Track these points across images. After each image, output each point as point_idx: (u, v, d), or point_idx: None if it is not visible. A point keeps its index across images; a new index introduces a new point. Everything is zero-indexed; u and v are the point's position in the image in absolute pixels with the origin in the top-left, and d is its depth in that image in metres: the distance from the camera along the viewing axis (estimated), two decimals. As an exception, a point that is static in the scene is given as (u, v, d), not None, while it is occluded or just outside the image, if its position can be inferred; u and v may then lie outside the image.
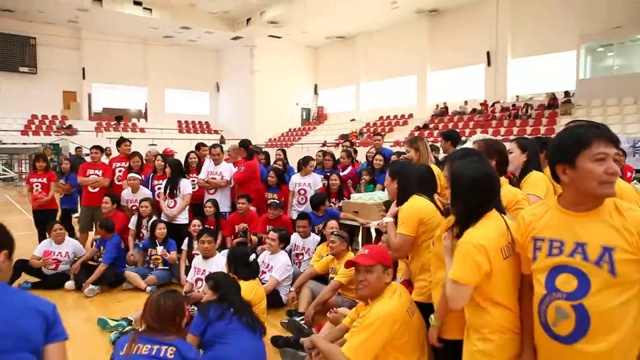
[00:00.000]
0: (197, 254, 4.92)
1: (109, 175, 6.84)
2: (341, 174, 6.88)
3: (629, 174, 5.81)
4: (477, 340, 2.00)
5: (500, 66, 22.52)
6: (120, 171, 7.07)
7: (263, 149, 9.71)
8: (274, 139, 29.69)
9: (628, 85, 18.07)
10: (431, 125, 22.58)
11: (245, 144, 6.75)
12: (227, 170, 6.58)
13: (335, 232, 4.29)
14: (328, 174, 6.68)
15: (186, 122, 31.94)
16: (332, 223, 4.91)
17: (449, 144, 5.25)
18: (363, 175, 6.77)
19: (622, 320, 1.67)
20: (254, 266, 3.79)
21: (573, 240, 1.76)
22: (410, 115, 25.12)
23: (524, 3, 21.30)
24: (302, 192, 6.41)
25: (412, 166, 3.17)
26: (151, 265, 5.66)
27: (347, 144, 9.06)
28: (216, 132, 30.47)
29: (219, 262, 4.48)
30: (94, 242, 6.09)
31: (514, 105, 20.69)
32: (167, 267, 5.67)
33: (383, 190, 6.32)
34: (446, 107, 23.59)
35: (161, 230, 5.69)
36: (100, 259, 5.46)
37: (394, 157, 6.46)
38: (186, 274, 5.16)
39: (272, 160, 8.14)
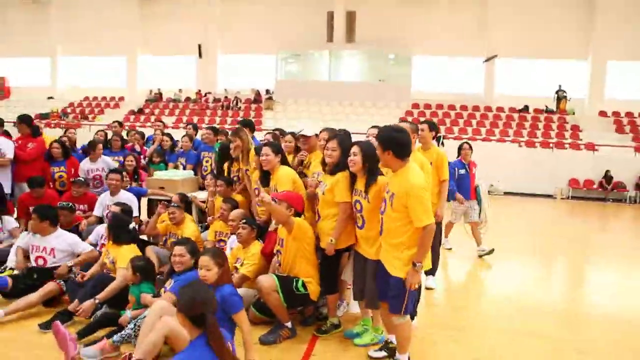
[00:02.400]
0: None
1: None
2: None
3: (473, 169, 7.16)
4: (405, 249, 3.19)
5: (211, 59, 24.27)
6: None
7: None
8: None
9: (313, 89, 22.79)
10: (147, 110, 22.43)
11: (26, 119, 6.02)
12: (7, 146, 5.76)
13: (243, 221, 4.32)
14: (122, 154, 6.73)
15: None
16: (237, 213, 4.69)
17: (432, 134, 5.86)
18: (153, 157, 7.08)
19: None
20: (133, 232, 4.02)
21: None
22: (122, 98, 24.10)
23: (234, 4, 23.61)
24: (97, 177, 6.30)
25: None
26: None
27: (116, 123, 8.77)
28: None
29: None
30: None
31: (226, 97, 22.80)
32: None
33: (177, 168, 6.93)
34: (160, 93, 23.80)
35: None
36: None
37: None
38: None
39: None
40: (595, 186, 16.39)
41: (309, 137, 4.58)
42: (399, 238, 3.14)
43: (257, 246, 4.29)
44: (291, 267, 3.79)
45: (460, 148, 7.27)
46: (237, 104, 22.25)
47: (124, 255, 4.06)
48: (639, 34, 20.21)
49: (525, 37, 21.16)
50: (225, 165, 5.88)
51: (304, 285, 3.72)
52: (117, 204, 5.04)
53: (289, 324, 3.76)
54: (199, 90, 23.57)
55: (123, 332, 3.29)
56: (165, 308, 3.15)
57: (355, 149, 3.55)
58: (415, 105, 21.78)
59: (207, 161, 7.15)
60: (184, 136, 7.36)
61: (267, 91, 23.34)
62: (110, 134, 7.86)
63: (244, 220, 4.34)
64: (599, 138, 17.97)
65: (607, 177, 16.10)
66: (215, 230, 5.18)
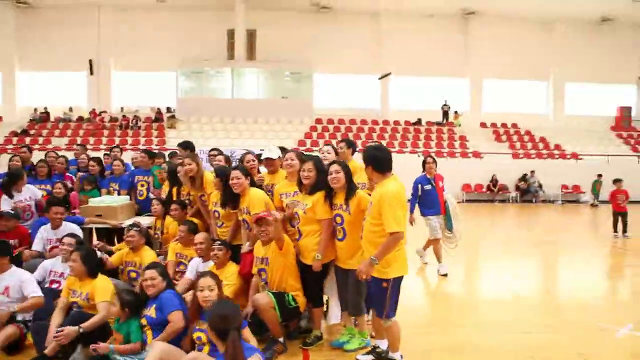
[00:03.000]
0: None
1: None
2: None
3: (440, 183, 6.84)
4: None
5: (104, 76, 22.89)
6: None
7: None
8: None
9: (216, 107, 22.54)
10: (32, 132, 20.39)
11: None
12: None
13: (218, 243, 4.29)
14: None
15: None
16: (204, 235, 4.58)
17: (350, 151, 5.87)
18: (84, 185, 6.66)
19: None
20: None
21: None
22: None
23: (127, 21, 22.56)
24: (26, 208, 5.78)
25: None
26: None
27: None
28: None
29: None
30: None
31: (124, 116, 21.60)
32: None
33: (110, 194, 6.62)
34: (47, 112, 21.80)
35: None
36: None
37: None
38: None
39: None
40: (484, 189, 18.46)
41: (274, 160, 4.75)
42: (376, 242, 3.47)
43: (233, 267, 4.32)
44: (279, 283, 3.92)
45: (424, 162, 6.89)
46: (136, 123, 21.19)
47: (102, 288, 3.83)
48: (507, 57, 23.25)
49: (415, 56, 23.19)
50: (174, 189, 5.79)
51: (294, 299, 3.88)
52: (70, 235, 4.72)
53: (281, 339, 3.88)
54: (93, 109, 22.03)
55: None
56: (166, 350, 3.13)
57: (336, 167, 3.83)
58: (319, 121, 22.60)
59: (142, 185, 6.91)
60: (114, 160, 7.02)
61: (169, 109, 22.61)
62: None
63: (219, 242, 4.36)
64: (482, 147, 20.26)
65: (494, 180, 18.24)
66: (176, 252, 5.07)
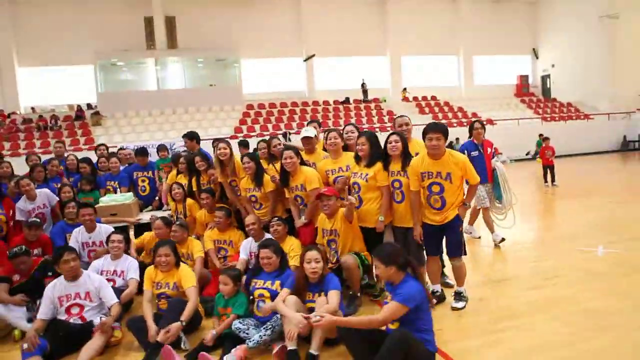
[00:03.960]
0: None
1: None
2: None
3: (489, 150, 6.34)
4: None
5: (7, 74, 20.83)
6: None
7: None
8: None
9: (142, 99, 21.58)
10: None
11: None
12: None
13: (276, 219, 4.53)
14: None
15: None
16: (253, 217, 4.83)
17: (194, 142, 6.46)
18: (83, 186, 6.45)
19: (455, 199, 4.20)
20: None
21: (436, 170, 4.12)
22: None
23: (30, 11, 20.64)
24: (40, 215, 5.55)
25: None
26: None
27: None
28: None
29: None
30: None
31: (41, 116, 19.92)
32: None
33: (115, 192, 6.54)
34: (-56, 119, 19.43)
35: None
36: None
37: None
38: None
39: None
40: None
41: (312, 138, 5.07)
42: (457, 200, 4.11)
43: (292, 239, 4.64)
44: (350, 248, 4.33)
45: (471, 127, 6.37)
46: (56, 123, 19.66)
47: (188, 276, 4.00)
48: (421, 34, 24.83)
49: (336, 38, 23.89)
50: (194, 179, 5.88)
51: (365, 258, 4.33)
52: (117, 232, 4.72)
53: (359, 294, 4.37)
54: (2, 111, 20.00)
55: (262, 338, 3.44)
56: (298, 302, 3.47)
57: (395, 137, 4.31)
58: (250, 107, 22.58)
59: (143, 181, 6.86)
60: (111, 158, 6.85)
61: (89, 105, 21.20)
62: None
63: (277, 218, 4.64)
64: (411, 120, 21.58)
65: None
66: (213, 239, 5.23)
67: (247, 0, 23.08)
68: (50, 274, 4.58)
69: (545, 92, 27.17)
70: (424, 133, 4.08)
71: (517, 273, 5.28)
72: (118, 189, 6.68)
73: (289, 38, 23.91)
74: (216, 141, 6.03)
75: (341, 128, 5.33)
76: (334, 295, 3.48)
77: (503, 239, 6.38)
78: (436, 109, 23.48)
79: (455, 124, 21.60)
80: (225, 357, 3.32)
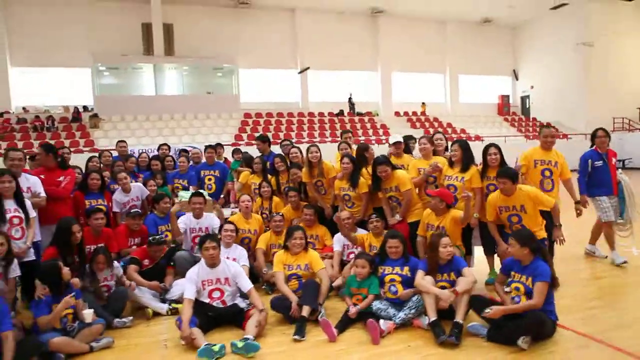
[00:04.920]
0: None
1: None
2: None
3: (613, 160, 5.98)
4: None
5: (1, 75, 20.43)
6: None
7: None
8: None
9: (139, 104, 21.55)
10: None
11: (53, 149, 5.16)
12: (38, 183, 4.87)
13: (374, 216, 5.13)
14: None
15: None
16: (347, 213, 5.36)
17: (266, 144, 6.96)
18: (156, 180, 6.76)
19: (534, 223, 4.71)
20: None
21: (511, 205, 4.65)
22: None
23: (24, 13, 20.38)
24: (133, 208, 5.86)
25: None
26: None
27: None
28: None
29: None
30: None
31: (37, 116, 19.61)
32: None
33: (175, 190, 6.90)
34: None
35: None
36: None
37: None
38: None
39: None
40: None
41: (401, 143, 5.65)
42: (537, 223, 4.64)
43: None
44: (452, 242, 4.89)
45: (594, 136, 6.00)
46: (53, 124, 19.41)
47: (317, 258, 4.51)
48: (411, 52, 25.94)
49: (330, 51, 24.65)
50: (272, 178, 6.34)
51: (460, 247, 4.85)
52: (228, 222, 5.13)
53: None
54: (-5, 110, 19.57)
55: (407, 315, 3.97)
56: (433, 281, 4.01)
57: (494, 149, 4.95)
58: (248, 115, 22.92)
59: (209, 179, 7.23)
60: (180, 157, 7.18)
61: (85, 108, 21.01)
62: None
63: (375, 215, 5.15)
64: (403, 134, 22.38)
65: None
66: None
67: (245, 11, 23.53)
68: (172, 263, 4.94)
69: (525, 111, 28.75)
70: (497, 175, 4.65)
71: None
72: (186, 187, 7.01)
73: (285, 50, 24.49)
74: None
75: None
76: (468, 271, 4.04)
77: (625, 262, 5.74)
78: (427, 124, 24.47)
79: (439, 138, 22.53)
80: (381, 322, 3.86)
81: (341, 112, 24.41)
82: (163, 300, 4.60)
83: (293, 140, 19.61)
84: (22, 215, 4.23)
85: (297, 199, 5.92)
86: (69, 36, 20.78)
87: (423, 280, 4.00)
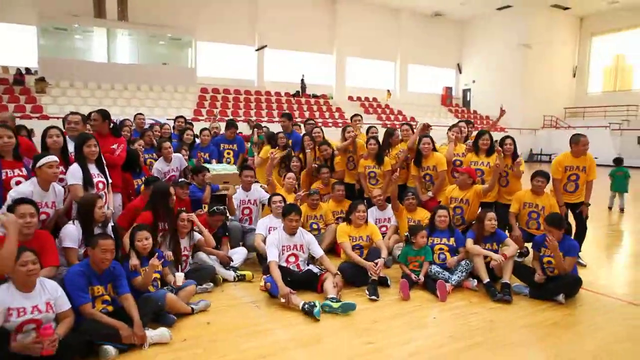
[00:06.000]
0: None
1: None
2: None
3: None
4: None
5: None
6: None
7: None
8: None
9: (90, 70, 20.39)
10: None
11: (108, 115, 5.12)
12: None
13: (410, 194, 5.63)
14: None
15: None
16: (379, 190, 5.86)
17: (290, 122, 7.33)
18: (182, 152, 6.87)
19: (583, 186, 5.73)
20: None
21: (576, 165, 5.56)
22: None
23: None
24: (172, 178, 6.00)
25: None
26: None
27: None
28: None
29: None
30: None
31: (-25, 76, 17.99)
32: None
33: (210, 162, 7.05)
34: None
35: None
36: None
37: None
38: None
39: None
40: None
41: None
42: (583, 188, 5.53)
43: (422, 210, 5.81)
44: (473, 215, 5.52)
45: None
46: (-7, 85, 17.91)
47: (377, 230, 5.05)
48: (365, 38, 26.67)
49: (288, 31, 24.74)
50: (301, 155, 6.71)
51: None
52: (276, 194, 5.41)
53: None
54: None
55: (460, 277, 4.60)
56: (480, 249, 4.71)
57: (509, 140, 5.68)
58: (204, 90, 22.51)
59: (228, 153, 7.40)
60: (203, 130, 7.28)
61: (28, 70, 19.54)
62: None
63: (411, 193, 5.73)
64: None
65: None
66: (332, 210, 6.13)
67: (205, -17, 22.93)
68: (227, 234, 5.21)
69: (465, 104, 30.73)
70: (532, 176, 5.32)
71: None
72: (207, 160, 7.15)
73: (244, 26, 24.22)
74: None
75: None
76: (510, 241, 4.75)
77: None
78: (379, 110, 25.45)
79: (397, 125, 23.67)
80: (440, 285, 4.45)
81: (297, 93, 24.68)
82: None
83: (253, 118, 19.92)
84: (105, 180, 4.31)
85: (328, 175, 6.36)
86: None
87: (474, 246, 4.67)
